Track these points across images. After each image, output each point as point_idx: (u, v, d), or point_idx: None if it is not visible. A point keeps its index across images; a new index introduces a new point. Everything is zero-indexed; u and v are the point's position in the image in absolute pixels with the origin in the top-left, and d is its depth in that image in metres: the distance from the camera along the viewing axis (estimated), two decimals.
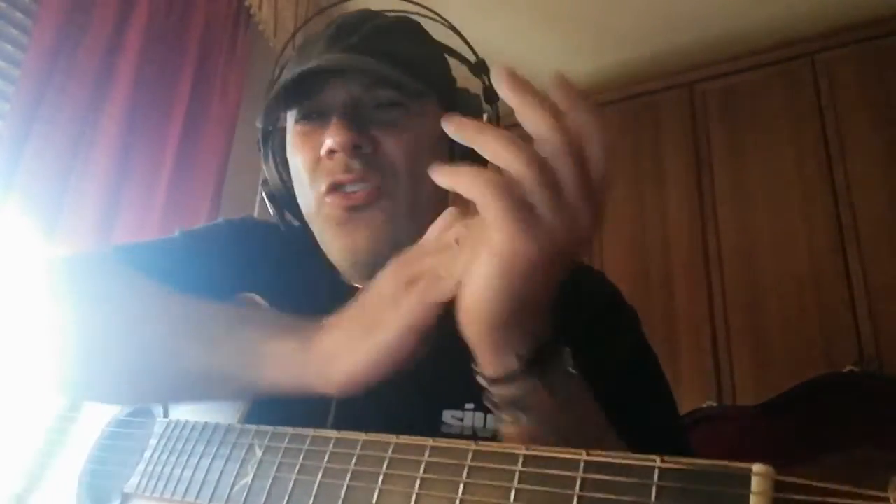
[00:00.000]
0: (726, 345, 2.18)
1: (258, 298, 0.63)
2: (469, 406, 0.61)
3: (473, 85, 0.78)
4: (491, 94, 0.75)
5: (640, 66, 2.51)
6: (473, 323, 0.44)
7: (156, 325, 0.57)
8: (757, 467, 0.27)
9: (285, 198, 0.76)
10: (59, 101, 1.52)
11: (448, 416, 0.61)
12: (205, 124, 1.88)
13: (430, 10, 0.79)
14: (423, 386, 0.62)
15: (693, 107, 2.48)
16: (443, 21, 0.79)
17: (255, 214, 1.91)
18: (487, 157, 0.41)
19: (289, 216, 0.77)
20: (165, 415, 0.59)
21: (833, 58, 2.32)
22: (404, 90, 0.67)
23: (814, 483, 0.26)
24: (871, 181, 2.14)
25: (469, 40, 0.78)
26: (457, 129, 0.42)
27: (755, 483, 0.27)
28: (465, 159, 0.45)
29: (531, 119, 0.40)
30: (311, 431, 0.44)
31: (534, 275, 0.41)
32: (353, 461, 0.40)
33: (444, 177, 0.42)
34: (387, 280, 0.48)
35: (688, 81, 2.51)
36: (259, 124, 0.77)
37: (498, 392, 0.46)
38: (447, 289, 0.44)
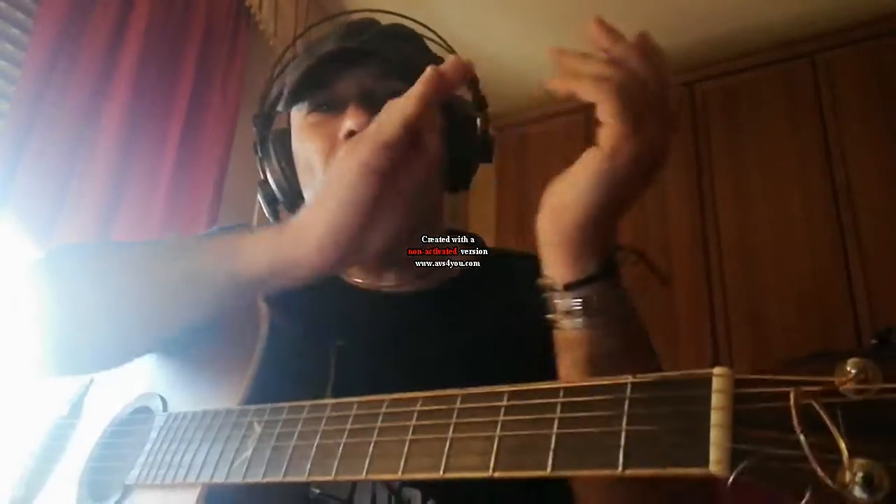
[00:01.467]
0: (726, 345, 2.18)
1: None
2: None
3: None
4: (480, 102, 0.78)
5: None
6: (563, 220, 0.48)
7: (130, 261, 0.61)
8: (717, 369, 0.30)
9: (289, 196, 0.77)
10: (59, 101, 1.52)
11: None
12: (205, 124, 1.88)
13: (433, 32, 0.81)
14: (423, 381, 0.62)
15: (693, 107, 2.48)
16: (440, 39, 0.81)
17: (255, 215, 1.92)
18: (591, 77, 0.45)
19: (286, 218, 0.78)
20: (165, 409, 0.59)
21: (833, 58, 2.32)
22: (412, 83, 0.69)
23: (769, 377, 0.28)
24: (871, 181, 2.14)
25: (467, 41, 0.79)
26: (560, 57, 0.48)
27: (716, 382, 0.29)
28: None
29: (623, 54, 0.46)
30: (308, 403, 0.45)
31: (631, 176, 0.45)
32: (350, 421, 0.41)
33: (565, 82, 0.46)
34: (341, 157, 0.51)
35: (688, 81, 2.51)
36: (256, 126, 0.78)
37: (569, 299, 0.48)
38: (392, 126, 0.48)
